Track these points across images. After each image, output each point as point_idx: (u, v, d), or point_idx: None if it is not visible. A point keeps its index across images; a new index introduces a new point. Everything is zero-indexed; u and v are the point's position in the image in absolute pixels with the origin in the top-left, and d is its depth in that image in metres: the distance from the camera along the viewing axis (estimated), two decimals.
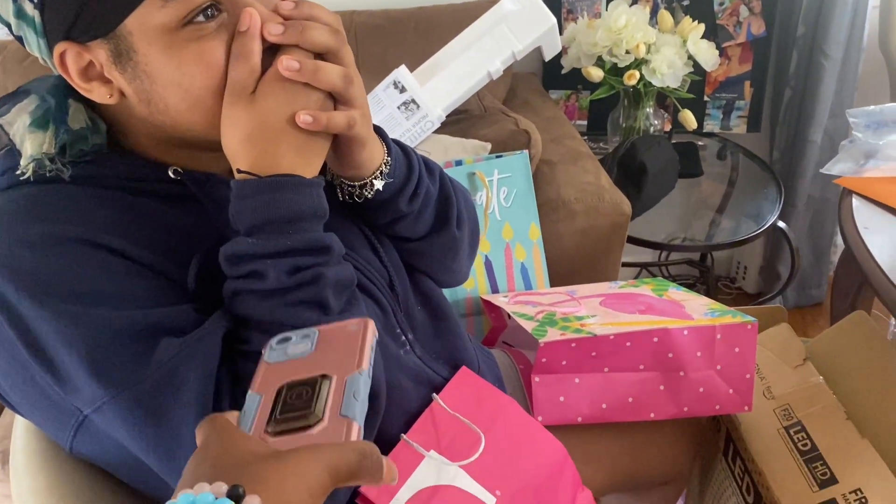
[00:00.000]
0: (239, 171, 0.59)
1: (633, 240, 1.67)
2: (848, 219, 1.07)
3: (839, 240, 2.07)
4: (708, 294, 2.13)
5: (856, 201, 1.12)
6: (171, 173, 0.65)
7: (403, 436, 0.71)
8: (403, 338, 0.77)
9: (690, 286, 2.22)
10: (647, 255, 2.18)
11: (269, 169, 0.59)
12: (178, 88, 0.59)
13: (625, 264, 2.16)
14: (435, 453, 0.71)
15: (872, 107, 1.25)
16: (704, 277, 2.12)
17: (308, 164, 0.60)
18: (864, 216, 1.08)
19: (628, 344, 0.97)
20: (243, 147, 0.59)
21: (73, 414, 0.58)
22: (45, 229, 0.58)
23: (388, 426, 0.71)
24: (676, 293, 1.14)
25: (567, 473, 0.82)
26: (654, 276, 2.21)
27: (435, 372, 0.79)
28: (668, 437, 1.06)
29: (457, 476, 0.70)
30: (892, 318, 1.69)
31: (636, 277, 2.19)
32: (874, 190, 1.13)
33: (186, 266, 0.61)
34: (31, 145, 0.61)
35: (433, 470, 0.70)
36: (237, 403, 0.56)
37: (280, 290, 0.58)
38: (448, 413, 0.74)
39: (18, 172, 0.62)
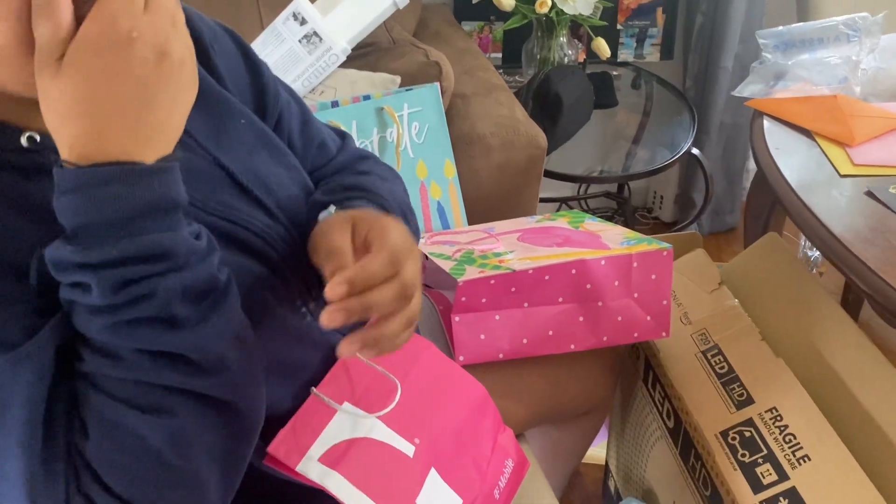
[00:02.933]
0: (62, 159, 0.48)
1: (551, 174, 1.65)
2: (759, 140, 1.06)
3: (751, 165, 2.11)
4: (626, 225, 2.14)
5: (767, 123, 1.12)
6: (24, 141, 0.53)
7: (314, 389, 0.67)
8: (304, 308, 0.70)
9: (609, 218, 2.23)
10: (566, 190, 2.18)
11: (96, 155, 0.47)
12: None
13: (544, 200, 2.15)
14: (349, 405, 0.67)
15: (781, 27, 1.25)
16: (622, 209, 2.14)
17: (149, 142, 0.48)
18: (776, 137, 1.08)
19: (547, 277, 0.95)
20: (61, 127, 0.47)
21: None
22: None
23: (298, 401, 0.67)
24: (592, 224, 1.13)
25: (488, 415, 0.80)
26: (572, 210, 2.22)
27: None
28: (589, 367, 1.06)
29: (373, 427, 0.67)
30: (802, 240, 1.73)
31: (556, 211, 2.18)
32: (784, 110, 1.13)
33: (29, 245, 0.51)
34: None
35: (347, 423, 0.66)
36: (74, 430, 0.50)
37: (108, 307, 0.48)
38: (361, 363, 0.70)
39: None
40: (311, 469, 0.62)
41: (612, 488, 1.39)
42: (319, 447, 0.63)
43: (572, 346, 0.98)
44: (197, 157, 0.64)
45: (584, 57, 1.88)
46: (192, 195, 0.58)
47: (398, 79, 1.26)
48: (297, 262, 0.68)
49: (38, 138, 0.54)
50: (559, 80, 1.54)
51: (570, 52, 1.71)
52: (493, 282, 0.94)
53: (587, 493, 1.51)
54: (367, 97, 1.19)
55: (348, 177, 0.79)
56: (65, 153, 0.47)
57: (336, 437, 0.64)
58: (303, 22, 1.28)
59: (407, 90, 1.19)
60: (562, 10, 1.57)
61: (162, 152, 0.49)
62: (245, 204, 0.65)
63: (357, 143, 1.16)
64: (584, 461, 1.54)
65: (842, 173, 1.01)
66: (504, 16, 1.74)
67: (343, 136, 0.87)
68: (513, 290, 0.95)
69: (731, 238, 2.19)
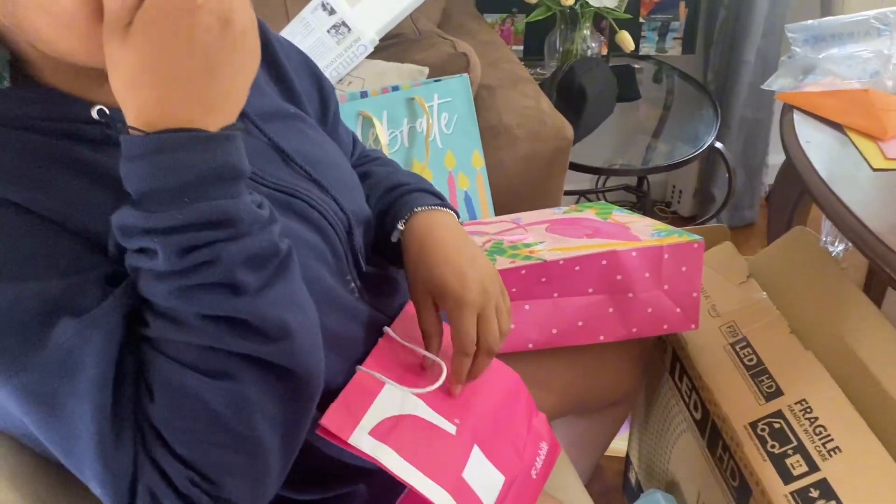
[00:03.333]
0: (128, 126, 0.49)
1: (571, 165, 1.65)
2: (790, 134, 1.06)
3: (771, 160, 2.10)
4: None
5: (797, 116, 1.12)
6: (94, 113, 0.55)
7: (360, 367, 0.68)
8: (353, 284, 0.73)
9: None
10: (585, 183, 2.18)
11: (161, 122, 0.48)
12: (43, 11, 0.48)
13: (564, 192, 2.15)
14: (394, 382, 0.68)
15: (811, 21, 1.24)
16: (641, 203, 2.13)
17: (213, 111, 0.49)
18: (806, 131, 1.08)
19: (577, 268, 0.96)
20: (128, 94, 0.48)
21: None
22: None
23: (349, 377, 0.68)
24: (621, 216, 1.13)
25: (522, 399, 0.81)
26: (599, 201, 2.22)
27: (385, 315, 0.76)
28: (617, 358, 1.06)
29: (417, 406, 0.68)
30: (824, 234, 1.73)
31: (576, 204, 2.18)
32: (814, 104, 1.13)
33: (102, 213, 0.53)
34: None
35: (394, 399, 0.67)
36: (140, 393, 0.51)
37: (173, 272, 0.49)
38: (401, 345, 0.71)
39: None
40: (363, 442, 0.62)
41: (633, 480, 1.40)
42: (369, 421, 0.63)
43: (602, 338, 0.98)
44: (255, 137, 0.67)
45: (607, 50, 1.87)
46: (256, 168, 0.63)
47: (426, 70, 1.26)
48: (349, 237, 0.71)
49: (107, 111, 0.55)
50: (583, 72, 1.54)
51: (592, 44, 1.71)
52: (523, 272, 0.94)
53: (607, 485, 1.51)
54: (395, 88, 1.19)
55: (378, 167, 0.86)
56: (131, 120, 0.48)
57: (384, 413, 0.65)
58: (331, 12, 1.28)
59: (437, 81, 1.19)
60: (586, 3, 1.57)
61: (225, 121, 0.50)
62: (299, 179, 0.68)
63: (387, 133, 1.17)
64: (605, 454, 1.55)
65: (875, 167, 1.01)
66: (526, 8, 1.74)
67: (353, 135, 0.93)
68: (543, 280, 0.96)
69: (749, 233, 2.19)
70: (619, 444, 1.51)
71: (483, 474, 0.69)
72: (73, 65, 0.53)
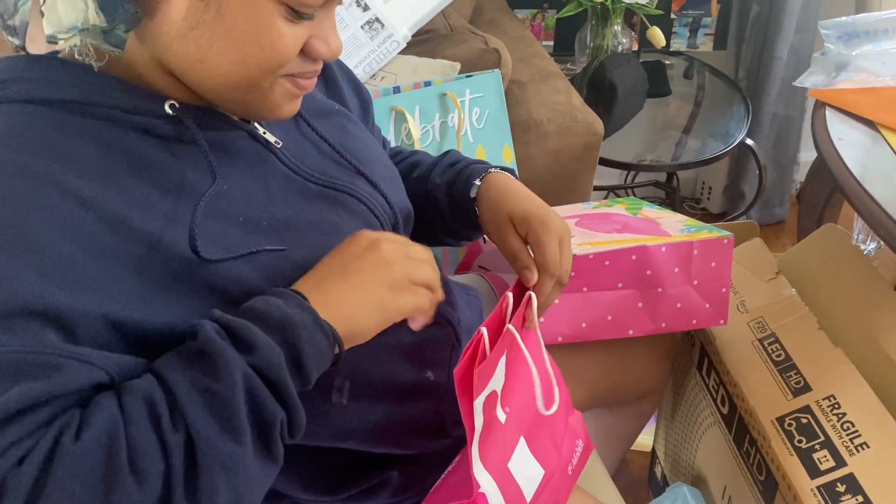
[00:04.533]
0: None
1: (601, 161, 1.66)
2: (822, 131, 1.06)
3: (802, 157, 2.09)
4: None
5: (829, 113, 1.12)
6: (167, 108, 0.58)
7: (482, 327, 0.65)
8: None
9: None
10: (614, 178, 2.18)
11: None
12: (239, 51, 0.54)
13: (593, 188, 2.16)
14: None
15: (844, 17, 1.24)
16: (671, 199, 2.13)
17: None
18: (838, 128, 1.08)
19: (607, 263, 0.97)
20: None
21: None
22: (11, 157, 0.52)
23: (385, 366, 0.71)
24: (651, 211, 1.14)
25: (563, 394, 0.82)
26: (628, 197, 2.22)
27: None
28: (645, 352, 1.07)
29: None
30: (856, 232, 1.72)
31: (606, 199, 2.19)
32: (847, 101, 1.13)
33: (163, 217, 0.55)
34: (68, 11, 0.52)
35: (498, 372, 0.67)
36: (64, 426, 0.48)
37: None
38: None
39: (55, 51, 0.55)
40: (475, 406, 0.62)
41: (659, 474, 1.40)
42: (486, 390, 0.64)
43: (631, 332, 0.99)
44: (308, 134, 0.71)
45: (637, 46, 1.88)
46: (304, 165, 0.67)
47: (458, 65, 1.28)
48: (394, 227, 0.74)
49: (177, 105, 0.58)
50: (614, 67, 1.55)
51: (623, 40, 1.71)
52: None
53: (633, 478, 1.52)
54: (427, 83, 1.21)
55: (422, 157, 0.91)
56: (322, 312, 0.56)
57: (493, 386, 0.65)
58: (365, 8, 1.30)
59: (468, 76, 1.21)
60: None
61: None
62: (348, 175, 0.71)
63: (419, 128, 1.19)
64: (631, 448, 1.56)
65: None
66: (557, 3, 1.75)
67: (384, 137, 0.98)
68: (572, 274, 0.96)
69: (779, 230, 2.18)
70: (645, 439, 1.52)
71: (525, 467, 0.69)
72: (168, 67, 0.56)
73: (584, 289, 0.98)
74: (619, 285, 0.98)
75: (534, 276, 0.72)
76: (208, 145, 0.60)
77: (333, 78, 0.80)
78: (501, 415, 0.67)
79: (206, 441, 0.49)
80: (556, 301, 0.76)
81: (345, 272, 0.59)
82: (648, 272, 0.98)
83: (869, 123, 1.10)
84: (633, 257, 0.97)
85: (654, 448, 1.43)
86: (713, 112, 1.85)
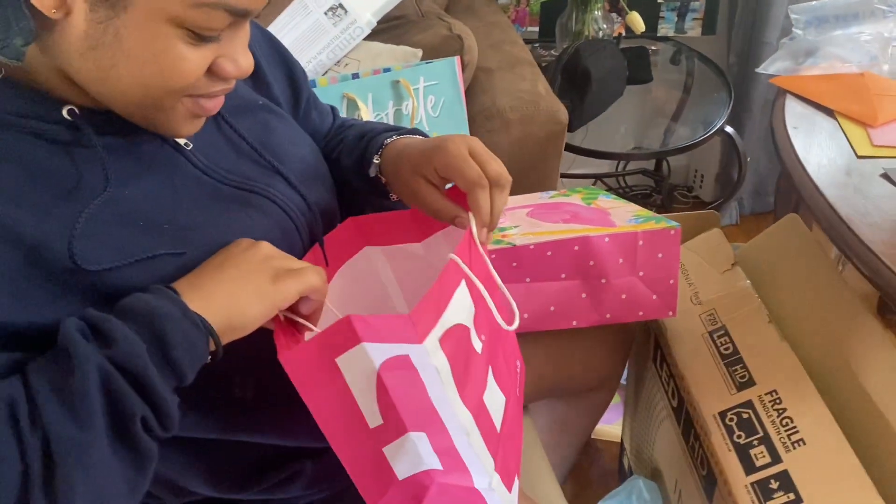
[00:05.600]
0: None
1: (582, 150, 1.64)
2: (779, 119, 1.04)
3: None
4: (664, 203, 2.11)
5: (789, 101, 1.09)
6: (65, 113, 0.57)
7: (452, 254, 0.63)
8: None
9: (647, 196, 2.20)
10: (605, 166, 2.16)
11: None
12: (139, 73, 0.53)
13: (579, 176, 2.14)
14: (477, 280, 0.65)
15: (815, 1, 1.20)
16: (660, 186, 2.10)
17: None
18: (796, 116, 1.05)
19: (549, 253, 0.96)
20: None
21: None
22: None
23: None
24: (606, 201, 1.12)
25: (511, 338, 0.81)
26: (609, 187, 2.19)
27: None
28: (594, 344, 1.06)
29: (469, 313, 0.65)
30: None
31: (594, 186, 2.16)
32: (809, 89, 1.10)
33: (58, 222, 0.55)
34: None
35: (463, 301, 0.63)
36: None
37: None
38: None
39: None
40: (429, 345, 0.58)
41: (626, 465, 1.39)
42: (441, 326, 0.60)
43: (574, 323, 0.98)
44: (227, 132, 0.70)
45: (622, 31, 1.84)
46: (217, 166, 0.66)
47: (420, 52, 1.27)
48: (310, 227, 0.72)
49: (77, 111, 0.57)
50: (589, 54, 1.52)
51: (605, 26, 1.69)
52: (493, 256, 0.95)
53: (605, 469, 1.51)
54: (387, 70, 1.20)
55: (350, 132, 0.86)
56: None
57: (454, 318, 0.61)
58: None
59: (425, 63, 1.19)
60: None
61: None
62: (264, 174, 0.70)
63: (372, 116, 1.18)
64: (602, 438, 1.55)
65: (859, 154, 0.98)
66: None
67: (332, 108, 0.94)
68: (514, 265, 0.96)
69: (772, 219, 2.14)
70: (616, 429, 1.51)
71: (494, 396, 0.68)
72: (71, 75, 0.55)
73: (527, 279, 0.97)
74: (563, 276, 0.97)
75: (466, 220, 0.67)
76: (108, 150, 0.59)
77: (261, 71, 0.79)
78: (478, 343, 0.65)
79: (60, 438, 0.48)
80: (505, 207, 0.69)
81: (222, 266, 0.58)
82: (591, 263, 0.96)
83: (830, 112, 1.07)
84: (576, 248, 0.96)
85: (622, 439, 1.42)
86: (703, 99, 1.82)
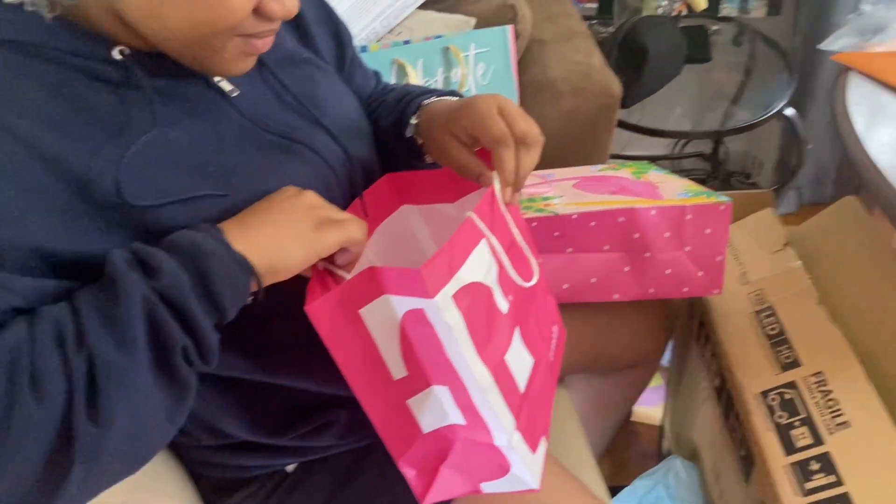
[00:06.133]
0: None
1: (635, 128, 1.61)
2: (840, 96, 1.00)
3: None
4: (720, 189, 2.06)
5: (853, 78, 1.05)
6: (116, 54, 0.58)
7: (470, 212, 0.62)
8: None
9: (702, 181, 2.15)
10: (661, 148, 2.11)
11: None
12: (187, 11, 0.54)
13: (633, 157, 2.10)
14: (495, 239, 0.64)
15: None
16: (716, 171, 2.06)
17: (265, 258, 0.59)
18: (859, 93, 1.01)
19: (593, 224, 0.94)
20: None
21: None
22: None
23: None
24: (656, 175, 1.10)
25: (542, 282, 0.80)
26: (642, 161, 2.15)
27: None
28: (636, 320, 1.05)
29: (489, 273, 0.64)
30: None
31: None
32: (874, 66, 1.05)
33: (104, 159, 0.56)
34: None
35: (483, 259, 0.62)
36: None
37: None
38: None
39: None
40: (440, 301, 0.57)
41: (665, 448, 1.37)
42: (456, 283, 0.59)
43: (616, 296, 0.97)
44: (271, 83, 0.71)
45: (683, 10, 1.80)
46: (261, 114, 0.67)
47: (473, 20, 1.26)
48: (350, 180, 0.73)
49: (128, 51, 0.59)
50: (647, 30, 1.49)
51: (665, 3, 1.65)
52: (535, 224, 0.94)
53: (643, 451, 1.50)
54: (438, 36, 1.19)
55: (391, 95, 0.86)
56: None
57: (471, 275, 0.61)
58: None
59: (477, 31, 1.18)
60: None
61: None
62: (306, 126, 0.71)
63: (422, 82, 1.18)
64: (641, 421, 1.53)
65: None
66: None
67: (376, 73, 0.95)
68: (556, 234, 0.95)
69: None
70: (657, 412, 1.49)
71: (520, 357, 0.67)
72: (124, 17, 0.56)
73: (569, 249, 0.96)
74: (606, 248, 0.96)
75: (490, 178, 0.66)
76: (157, 91, 0.60)
77: (306, 25, 0.79)
78: (503, 304, 0.65)
79: (104, 361, 0.50)
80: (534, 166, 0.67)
81: (268, 211, 0.59)
82: (637, 235, 0.94)
83: (895, 90, 1.03)
84: (621, 219, 0.94)
85: (662, 421, 1.40)
86: (765, 82, 1.77)
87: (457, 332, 0.58)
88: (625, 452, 1.50)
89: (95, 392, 0.50)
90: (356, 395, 0.62)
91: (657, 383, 1.51)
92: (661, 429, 1.41)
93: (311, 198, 0.62)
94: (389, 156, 0.82)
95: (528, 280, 0.67)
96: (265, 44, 0.61)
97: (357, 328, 0.59)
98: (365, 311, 0.59)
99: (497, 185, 0.66)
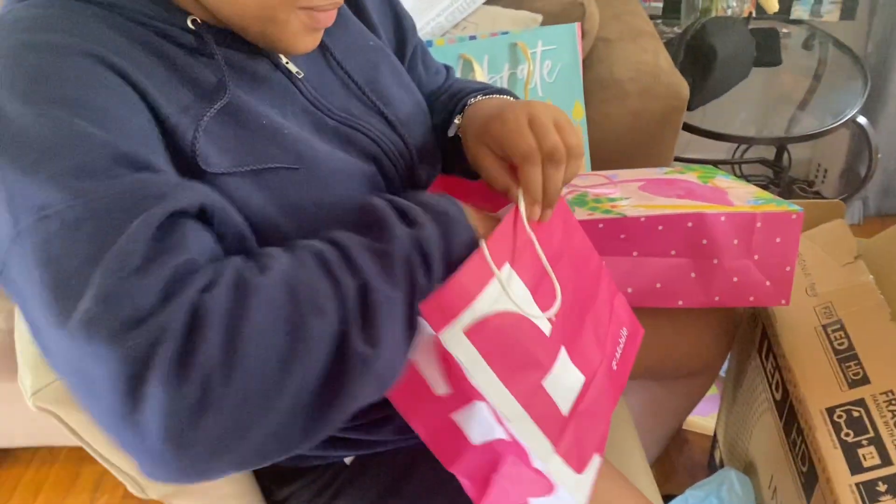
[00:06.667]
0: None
1: (698, 130, 1.58)
2: None
3: None
4: (782, 196, 2.01)
5: None
6: (189, 23, 0.60)
7: (482, 241, 0.60)
8: None
9: (764, 188, 2.10)
10: (721, 153, 2.07)
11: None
12: None
13: (693, 160, 2.06)
14: (509, 268, 0.61)
15: None
16: (779, 178, 2.01)
17: None
18: None
19: (660, 228, 0.93)
20: None
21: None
22: (53, 38, 0.54)
23: None
24: (723, 181, 1.07)
25: (604, 279, 0.78)
26: (707, 165, 2.11)
27: None
28: (699, 327, 1.03)
29: (522, 297, 0.62)
30: None
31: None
32: None
33: (179, 106, 0.57)
34: None
35: (498, 291, 0.59)
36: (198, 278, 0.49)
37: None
38: (524, 228, 0.64)
39: None
40: (452, 338, 0.56)
41: (718, 459, 1.35)
42: (470, 315, 0.56)
43: (680, 302, 0.95)
44: (333, 70, 0.71)
45: (752, 11, 1.76)
46: (325, 99, 0.68)
47: (540, 17, 1.24)
48: (408, 171, 0.73)
49: (199, 22, 0.60)
50: (716, 31, 1.46)
51: (734, 4, 1.61)
52: (601, 225, 0.92)
53: (693, 461, 1.47)
54: (505, 33, 1.18)
55: (449, 90, 0.86)
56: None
57: (489, 306, 0.58)
58: None
59: (545, 28, 1.17)
60: None
61: None
62: (367, 114, 0.71)
63: (487, 78, 1.17)
64: (694, 430, 1.50)
65: None
66: None
67: (447, 68, 0.94)
68: (622, 236, 0.93)
69: None
70: (709, 422, 1.46)
71: (564, 378, 0.64)
72: None
73: (634, 253, 0.94)
74: (672, 252, 0.94)
75: (517, 196, 0.63)
76: (228, 63, 0.61)
77: (369, 16, 0.79)
78: (545, 326, 0.62)
79: (378, 290, 0.53)
80: (570, 184, 0.66)
81: None
82: (704, 241, 0.92)
83: None
84: (689, 224, 0.92)
85: (715, 432, 1.37)
86: (835, 88, 1.72)
87: (470, 366, 0.57)
88: (676, 461, 1.47)
89: (368, 317, 0.52)
90: (397, 408, 0.62)
91: (711, 392, 1.49)
92: (713, 439, 1.39)
93: None
94: (445, 155, 0.81)
95: (546, 309, 0.63)
96: (328, 17, 0.61)
97: None
98: None
99: (521, 204, 0.63)
